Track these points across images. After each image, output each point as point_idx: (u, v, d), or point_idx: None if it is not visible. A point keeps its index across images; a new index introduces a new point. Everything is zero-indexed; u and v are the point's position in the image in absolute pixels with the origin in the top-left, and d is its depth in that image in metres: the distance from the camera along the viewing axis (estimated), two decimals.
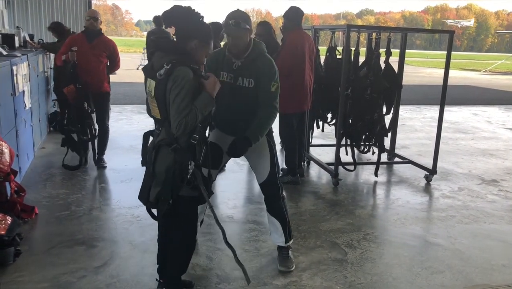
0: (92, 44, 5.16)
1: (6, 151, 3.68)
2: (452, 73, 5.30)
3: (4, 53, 5.13)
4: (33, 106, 5.78)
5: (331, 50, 5.90)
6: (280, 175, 3.29)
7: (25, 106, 5.21)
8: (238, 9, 3.00)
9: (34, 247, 3.45)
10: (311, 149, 6.43)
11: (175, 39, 2.60)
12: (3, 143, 3.70)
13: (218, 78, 2.98)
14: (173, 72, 2.38)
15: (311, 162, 5.92)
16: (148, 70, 2.56)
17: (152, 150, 2.58)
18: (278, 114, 4.87)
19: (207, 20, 2.94)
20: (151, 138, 2.71)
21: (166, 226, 2.79)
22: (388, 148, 6.21)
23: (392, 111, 5.59)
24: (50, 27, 6.99)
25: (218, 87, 2.58)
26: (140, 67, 3.66)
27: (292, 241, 3.39)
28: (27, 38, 7.04)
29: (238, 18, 2.90)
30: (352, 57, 5.24)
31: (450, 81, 5.59)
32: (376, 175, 5.37)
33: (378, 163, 5.37)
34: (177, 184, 2.49)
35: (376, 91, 5.09)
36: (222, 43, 5.22)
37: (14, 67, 4.70)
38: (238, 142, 2.94)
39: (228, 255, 3.39)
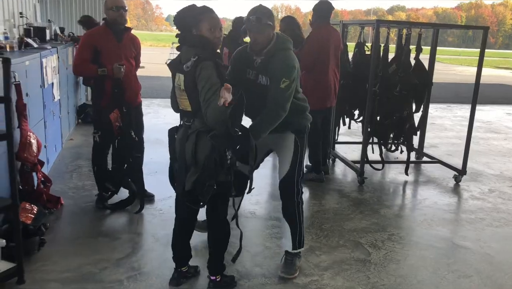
0: (122, 43, 3.89)
1: (33, 142, 3.73)
2: (485, 71, 5.13)
3: (35, 45, 5.21)
4: (62, 98, 5.88)
5: (360, 45, 5.79)
6: (301, 177, 3.20)
7: (54, 98, 5.29)
8: (260, 4, 2.92)
9: (59, 237, 3.50)
10: (336, 146, 6.34)
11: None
12: (31, 134, 3.75)
13: (244, 75, 2.99)
14: (199, 64, 2.44)
15: (337, 159, 5.83)
16: (176, 65, 2.60)
17: (185, 140, 2.60)
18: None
19: (233, 16, 2.92)
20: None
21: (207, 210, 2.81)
22: (417, 147, 6.06)
23: (421, 109, 5.45)
24: (80, 21, 7.08)
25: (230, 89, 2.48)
26: (168, 62, 3.44)
27: (301, 250, 3.23)
28: (58, 32, 7.15)
29: (259, 13, 2.83)
30: (381, 53, 5.12)
31: (483, 80, 5.40)
32: (406, 173, 5.24)
33: (408, 162, 5.24)
34: (218, 169, 2.53)
35: (405, 88, 4.97)
36: (245, 40, 5.19)
37: (44, 60, 4.77)
38: (238, 137, 2.75)
39: (249, 251, 3.37)
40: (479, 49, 5.11)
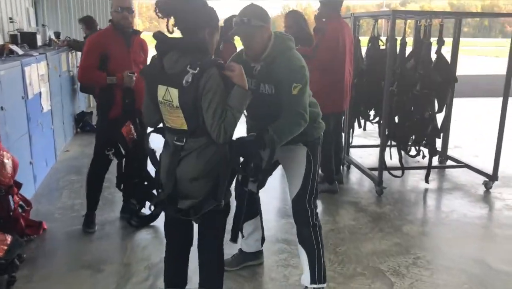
0: (132, 48, 3.44)
1: (7, 161, 3.32)
2: (504, 61, 4.55)
3: (20, 52, 4.81)
4: (55, 108, 5.47)
5: (374, 40, 5.28)
6: (315, 196, 2.74)
7: (42, 109, 4.89)
8: (252, 4, 2.48)
9: (34, 271, 3.07)
10: (351, 150, 5.84)
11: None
12: (5, 153, 3.34)
13: None
14: (203, 75, 1.98)
15: (351, 165, 5.32)
16: (157, 75, 2.10)
17: (177, 164, 2.14)
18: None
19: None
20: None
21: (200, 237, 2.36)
22: (440, 149, 5.51)
23: (444, 108, 4.91)
24: (82, 19, 6.62)
25: (244, 76, 2.15)
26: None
27: (321, 287, 2.75)
28: (52, 37, 6.77)
29: (248, 14, 2.38)
30: (398, 47, 4.60)
31: (503, 70, 4.78)
32: (427, 181, 4.72)
33: (429, 168, 4.72)
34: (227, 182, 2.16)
35: (426, 86, 4.44)
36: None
37: (27, 68, 4.36)
38: (249, 144, 2.31)
39: (249, 284, 2.90)
40: (495, 39, 4.55)
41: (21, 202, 3.51)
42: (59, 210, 4.07)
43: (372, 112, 5.49)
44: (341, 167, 5.28)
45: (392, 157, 4.78)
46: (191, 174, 2.10)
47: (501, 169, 4.86)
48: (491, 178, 4.71)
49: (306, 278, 2.75)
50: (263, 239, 3.16)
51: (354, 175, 5.21)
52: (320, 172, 4.70)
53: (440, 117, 4.82)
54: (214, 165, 2.09)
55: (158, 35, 2.12)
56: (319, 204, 4.30)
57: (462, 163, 5.22)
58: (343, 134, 5.10)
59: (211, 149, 2.08)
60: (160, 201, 2.19)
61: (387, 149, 4.85)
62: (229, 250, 2.80)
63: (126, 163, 3.47)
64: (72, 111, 6.74)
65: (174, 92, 2.02)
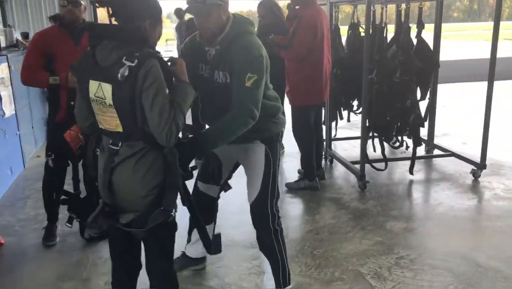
0: (81, 46, 2.99)
1: None
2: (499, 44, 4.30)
3: None
4: (21, 113, 5.20)
5: (354, 27, 5.04)
6: (276, 198, 2.51)
7: (4, 114, 4.61)
8: None
9: None
10: (336, 143, 5.61)
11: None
12: None
13: (198, 71, 2.29)
14: (141, 68, 1.72)
15: (334, 160, 5.08)
16: (88, 68, 1.84)
17: (110, 173, 1.88)
18: (294, 109, 4.08)
19: None
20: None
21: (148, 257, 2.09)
22: (426, 138, 5.29)
23: (428, 95, 4.68)
24: (53, 17, 6.26)
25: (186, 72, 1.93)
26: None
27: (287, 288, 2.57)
28: (19, 37, 6.46)
29: None
30: (376, 33, 4.36)
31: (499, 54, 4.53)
32: (411, 172, 4.50)
33: (413, 158, 4.49)
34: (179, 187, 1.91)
35: (407, 73, 4.20)
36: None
37: None
38: (185, 143, 2.05)
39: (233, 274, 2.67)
40: (485, 23, 4.31)
41: None
42: (20, 221, 3.81)
43: (355, 103, 5.27)
44: (326, 161, 5.07)
45: (376, 150, 4.55)
46: (129, 184, 1.85)
47: (490, 156, 4.63)
48: (479, 166, 4.49)
49: (270, 283, 2.54)
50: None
51: (338, 169, 4.97)
52: (300, 168, 4.49)
53: (424, 105, 4.60)
54: (156, 173, 1.84)
55: (90, 24, 1.87)
56: (300, 202, 4.10)
57: (449, 151, 4.99)
58: (323, 127, 4.86)
59: (151, 154, 1.83)
60: (96, 215, 1.92)
61: (370, 140, 4.64)
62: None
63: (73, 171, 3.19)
64: (43, 114, 6.44)
65: (107, 88, 1.76)
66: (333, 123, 5.22)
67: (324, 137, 5.04)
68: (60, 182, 3.32)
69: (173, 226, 1.98)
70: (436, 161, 5.09)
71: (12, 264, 3.16)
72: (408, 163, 4.62)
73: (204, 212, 2.71)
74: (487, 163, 4.49)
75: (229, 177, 2.66)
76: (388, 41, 4.52)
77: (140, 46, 1.80)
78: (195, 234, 2.80)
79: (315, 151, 4.40)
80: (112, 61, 1.75)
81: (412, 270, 2.93)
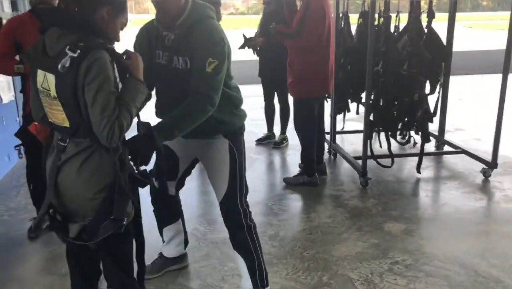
0: None
1: None
2: None
3: None
4: (21, 99, 5.13)
5: (365, 15, 4.79)
6: (245, 193, 2.39)
7: (1, 100, 4.54)
8: None
9: None
10: (343, 136, 5.42)
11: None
12: None
13: (154, 60, 2.16)
14: (84, 60, 1.56)
15: (338, 154, 4.88)
16: (38, 57, 1.70)
17: (56, 173, 1.75)
18: (297, 101, 3.90)
19: None
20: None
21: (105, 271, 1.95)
22: (437, 133, 5.04)
23: (438, 89, 4.42)
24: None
25: (142, 66, 1.76)
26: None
27: None
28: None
29: None
30: (382, 21, 4.14)
31: None
32: (418, 171, 4.28)
33: (421, 155, 4.27)
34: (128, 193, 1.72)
35: (415, 65, 3.97)
36: None
37: None
38: (137, 139, 1.87)
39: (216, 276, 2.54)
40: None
41: None
42: (10, 210, 3.76)
43: (363, 95, 5.04)
44: (329, 155, 4.89)
45: (382, 146, 4.34)
46: (75, 185, 1.71)
47: (504, 153, 4.38)
48: (490, 165, 4.23)
49: (247, 283, 2.41)
50: (186, 242, 2.82)
51: (342, 164, 4.77)
52: (300, 162, 4.32)
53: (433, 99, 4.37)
54: (104, 175, 1.69)
55: (39, 8, 1.73)
56: (297, 198, 3.93)
57: (460, 148, 4.74)
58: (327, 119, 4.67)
59: (98, 154, 1.69)
60: (39, 219, 1.78)
61: (375, 135, 4.43)
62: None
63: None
64: None
65: (51, 79, 1.62)
66: (341, 116, 5.03)
67: (329, 130, 4.85)
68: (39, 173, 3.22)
69: (127, 236, 1.82)
70: (445, 157, 4.84)
71: None
72: (415, 160, 4.39)
73: (166, 210, 2.63)
74: (499, 161, 4.23)
75: (188, 173, 2.57)
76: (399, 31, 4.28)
77: (89, 36, 1.64)
78: (167, 233, 2.71)
79: (316, 144, 4.22)
80: (58, 50, 1.61)
81: (406, 277, 2.75)
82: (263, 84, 5.26)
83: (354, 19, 4.96)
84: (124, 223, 1.69)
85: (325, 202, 3.86)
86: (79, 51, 1.56)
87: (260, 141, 5.37)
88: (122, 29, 1.81)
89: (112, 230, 1.67)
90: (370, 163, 4.17)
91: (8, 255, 3.10)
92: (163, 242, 2.76)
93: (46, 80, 1.63)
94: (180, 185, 2.60)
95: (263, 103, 5.36)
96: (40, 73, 1.66)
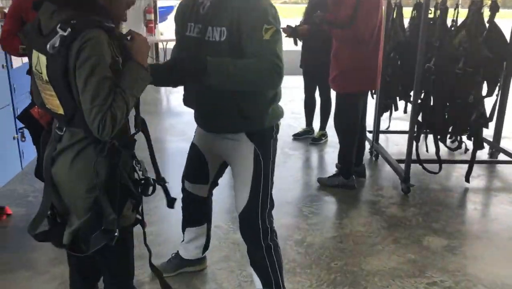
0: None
1: None
2: None
3: None
4: None
5: (419, 8, 4.42)
6: (269, 209, 2.12)
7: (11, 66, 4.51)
8: None
9: None
10: (388, 136, 5.08)
11: None
12: None
13: (185, 32, 1.93)
14: (75, 39, 1.36)
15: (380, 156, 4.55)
16: (32, 36, 1.51)
17: (50, 164, 1.58)
18: (341, 96, 3.63)
19: None
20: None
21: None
22: (492, 140, 4.61)
23: (497, 91, 4.00)
24: None
25: (148, 49, 1.56)
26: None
27: None
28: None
29: None
30: (438, 15, 3.77)
31: None
32: (467, 180, 3.90)
33: (471, 164, 3.89)
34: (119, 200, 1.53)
35: (472, 64, 3.58)
36: None
37: None
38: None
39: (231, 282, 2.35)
40: None
41: None
42: (35, 192, 3.69)
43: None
44: (371, 156, 4.57)
45: (428, 151, 3.99)
46: (68, 179, 1.54)
47: None
48: None
49: None
50: (206, 247, 2.59)
51: (383, 166, 4.44)
52: (337, 162, 4.04)
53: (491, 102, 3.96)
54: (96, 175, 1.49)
55: None
56: (330, 200, 3.66)
57: None
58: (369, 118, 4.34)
59: (93, 149, 1.50)
60: (34, 220, 1.63)
61: (423, 138, 4.08)
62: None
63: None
64: None
65: (43, 61, 1.43)
66: (387, 114, 4.70)
67: (371, 129, 4.54)
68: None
69: (123, 247, 1.64)
70: (499, 167, 4.41)
71: (6, 241, 3.02)
72: (465, 167, 4.01)
73: (194, 213, 2.43)
74: None
75: (220, 176, 2.35)
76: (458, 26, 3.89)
77: (84, 13, 1.42)
78: (189, 233, 2.52)
79: (357, 144, 3.91)
80: (50, 28, 1.42)
81: None
82: (304, 76, 4.98)
83: (407, 13, 4.59)
84: (116, 234, 1.49)
85: (360, 207, 3.56)
86: (69, 29, 1.36)
87: (297, 136, 5.11)
88: (128, 7, 1.60)
89: (104, 242, 1.49)
90: (415, 167, 3.84)
91: (24, 239, 3.02)
92: (183, 240, 2.57)
93: (39, 62, 1.46)
94: (214, 184, 2.39)
95: (303, 96, 5.08)
96: (34, 53, 1.48)
